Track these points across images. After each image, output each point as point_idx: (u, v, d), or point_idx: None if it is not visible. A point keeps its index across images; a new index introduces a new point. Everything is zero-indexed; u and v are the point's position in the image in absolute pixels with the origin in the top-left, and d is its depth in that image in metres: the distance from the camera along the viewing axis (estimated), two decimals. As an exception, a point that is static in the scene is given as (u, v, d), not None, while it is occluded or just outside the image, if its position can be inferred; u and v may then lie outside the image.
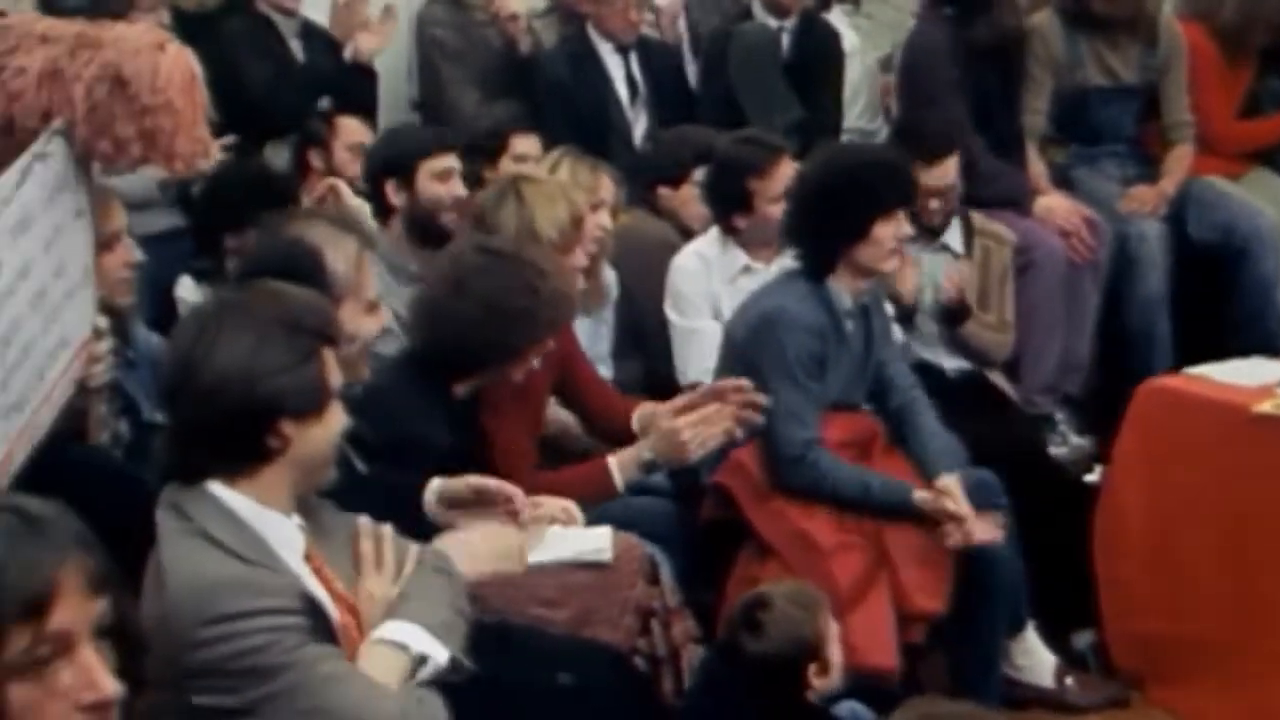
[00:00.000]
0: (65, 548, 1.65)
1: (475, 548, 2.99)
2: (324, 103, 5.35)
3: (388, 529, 2.66)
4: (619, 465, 3.66)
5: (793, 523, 3.73)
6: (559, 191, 4.05)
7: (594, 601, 3.25)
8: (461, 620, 2.61)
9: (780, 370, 3.77)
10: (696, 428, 3.60)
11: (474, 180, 4.96)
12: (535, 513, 3.25)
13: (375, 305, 3.24)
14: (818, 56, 5.57)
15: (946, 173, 4.67)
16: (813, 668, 3.13)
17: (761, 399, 3.70)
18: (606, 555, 3.30)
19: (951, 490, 3.78)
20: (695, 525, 3.89)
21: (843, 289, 3.86)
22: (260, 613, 2.35)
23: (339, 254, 3.12)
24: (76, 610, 1.64)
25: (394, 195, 4.42)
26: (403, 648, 2.48)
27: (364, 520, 2.65)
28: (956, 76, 5.10)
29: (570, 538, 3.33)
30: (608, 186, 4.45)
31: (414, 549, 2.67)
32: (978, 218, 4.85)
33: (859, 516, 3.77)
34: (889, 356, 4.06)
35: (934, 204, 4.64)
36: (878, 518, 3.77)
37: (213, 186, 4.43)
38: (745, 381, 3.72)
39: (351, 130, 5.12)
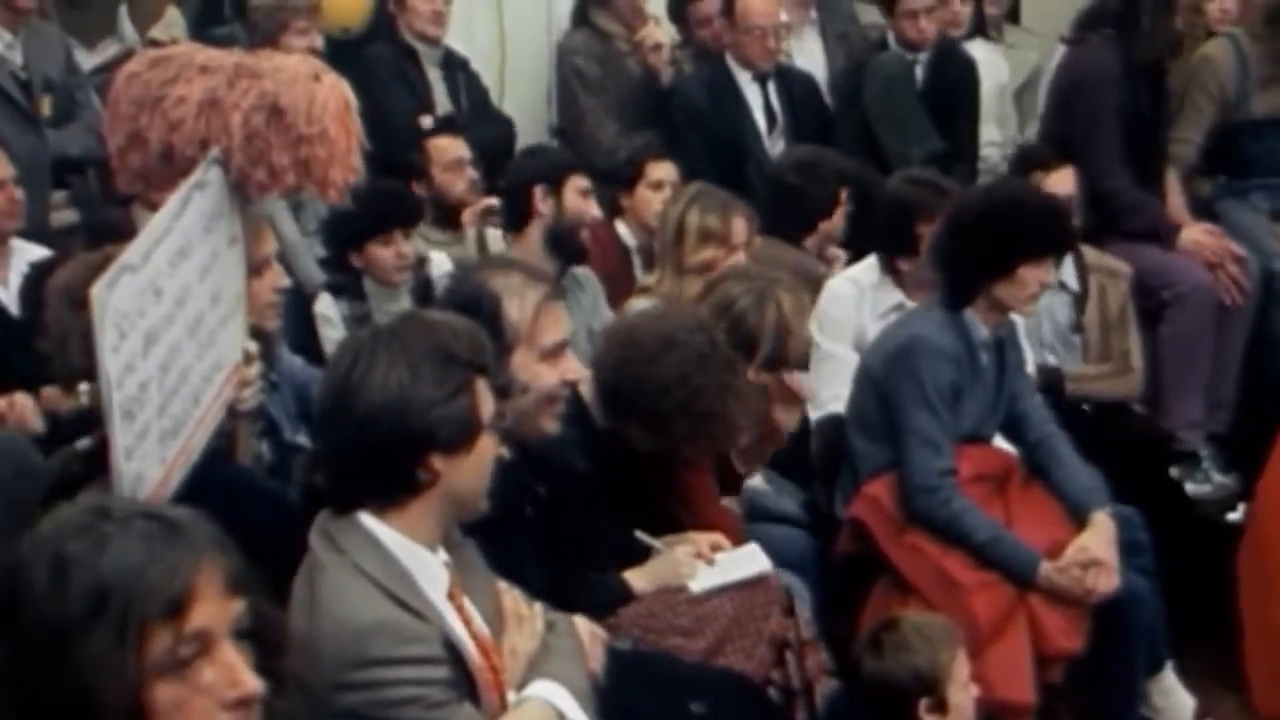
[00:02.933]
0: (201, 550, 1.70)
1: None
2: (427, 121, 5.38)
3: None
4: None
5: (931, 559, 3.71)
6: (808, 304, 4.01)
7: (730, 631, 3.26)
8: (591, 687, 2.63)
9: (918, 398, 3.77)
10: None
11: (614, 209, 5.04)
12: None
13: (557, 355, 3.13)
14: (954, 86, 5.55)
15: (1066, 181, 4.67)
16: (925, 703, 3.12)
17: None
18: (767, 564, 3.36)
19: (1104, 530, 3.76)
20: (831, 558, 3.90)
21: (979, 321, 3.86)
22: (407, 661, 2.38)
23: (517, 301, 3.09)
24: (216, 610, 1.68)
25: (541, 202, 4.51)
26: (553, 707, 2.51)
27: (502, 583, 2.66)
28: (1117, 103, 5.03)
29: (728, 563, 3.38)
30: (740, 229, 4.44)
31: (538, 607, 2.68)
32: (1091, 253, 4.79)
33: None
34: (1023, 390, 4.03)
35: None
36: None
37: (349, 203, 4.52)
38: None
39: (445, 149, 5.14)
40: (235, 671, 1.69)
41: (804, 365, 3.87)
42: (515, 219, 4.62)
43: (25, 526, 1.77)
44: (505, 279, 3.13)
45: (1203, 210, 5.25)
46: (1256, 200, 5.29)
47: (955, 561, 3.70)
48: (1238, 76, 5.15)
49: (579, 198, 4.56)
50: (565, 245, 4.49)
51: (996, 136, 5.92)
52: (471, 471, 2.53)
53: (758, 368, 3.68)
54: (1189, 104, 5.16)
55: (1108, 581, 3.71)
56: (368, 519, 2.50)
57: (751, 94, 5.66)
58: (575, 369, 3.17)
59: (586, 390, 3.43)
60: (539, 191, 4.53)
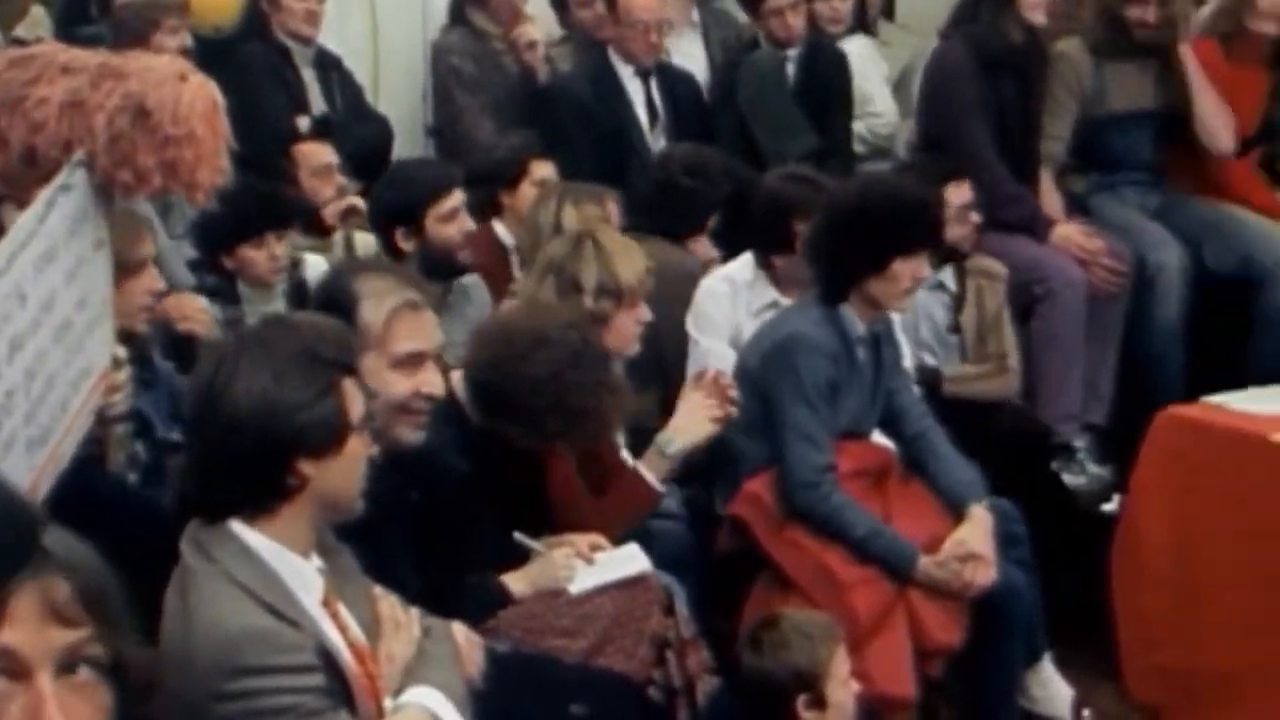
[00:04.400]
0: (25, 567, 1.56)
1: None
2: (303, 123, 5.34)
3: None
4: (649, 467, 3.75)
5: (811, 554, 3.76)
6: (633, 241, 4.05)
7: (610, 632, 3.30)
8: (467, 692, 2.64)
9: (797, 395, 3.81)
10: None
11: (492, 208, 5.03)
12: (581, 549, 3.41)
13: (413, 366, 3.08)
14: (826, 82, 5.60)
15: (966, 193, 4.75)
16: (804, 699, 3.17)
17: (733, 393, 3.77)
18: (646, 564, 3.41)
19: (982, 523, 3.84)
20: (711, 555, 3.93)
21: (855, 317, 3.91)
22: (281, 670, 2.37)
23: (373, 304, 3.06)
24: (30, 634, 1.56)
25: (404, 242, 4.47)
26: (430, 713, 2.51)
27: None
28: (978, 96, 5.13)
29: (608, 563, 3.41)
30: (615, 214, 4.47)
31: (415, 612, 2.67)
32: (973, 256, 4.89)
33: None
34: (899, 385, 4.10)
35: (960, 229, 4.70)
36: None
37: (219, 204, 4.46)
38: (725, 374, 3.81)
39: (312, 155, 5.09)
40: (41, 709, 1.55)
41: (648, 299, 3.90)
42: (389, 255, 4.58)
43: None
44: (370, 282, 3.12)
45: (1077, 207, 5.36)
46: (1126, 194, 5.41)
47: (835, 557, 3.75)
48: (1094, 72, 5.26)
49: (442, 224, 4.47)
50: (439, 269, 4.46)
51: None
52: (342, 474, 2.52)
53: (594, 295, 3.75)
54: (1052, 101, 5.26)
55: (985, 574, 3.79)
56: (238, 526, 2.49)
57: (634, 89, 5.68)
58: (433, 382, 3.11)
59: (461, 389, 3.44)
60: (399, 234, 4.48)
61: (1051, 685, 4.19)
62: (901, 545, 3.79)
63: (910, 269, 3.87)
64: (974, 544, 3.80)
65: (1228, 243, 5.30)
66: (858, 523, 3.78)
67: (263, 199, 4.55)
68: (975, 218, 4.77)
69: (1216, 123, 5.29)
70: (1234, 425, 4.17)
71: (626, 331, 3.83)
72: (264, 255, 4.43)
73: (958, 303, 4.84)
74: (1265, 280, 5.22)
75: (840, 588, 3.70)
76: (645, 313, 3.88)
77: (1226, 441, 4.15)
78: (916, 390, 4.29)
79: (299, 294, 4.43)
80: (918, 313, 4.73)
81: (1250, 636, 4.07)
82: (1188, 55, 5.23)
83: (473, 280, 4.67)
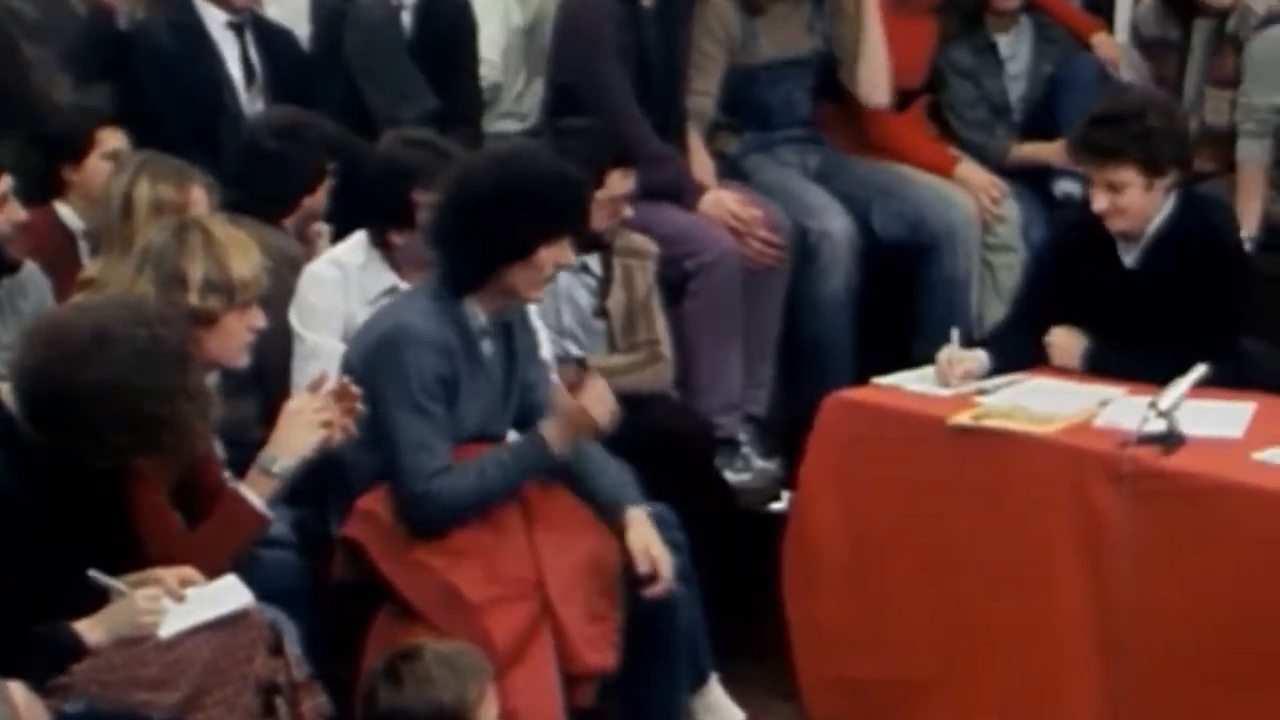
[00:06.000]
0: None
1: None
2: None
3: None
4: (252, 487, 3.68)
5: (438, 576, 3.74)
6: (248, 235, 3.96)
7: (207, 680, 3.22)
8: None
9: (403, 398, 3.80)
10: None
11: (54, 186, 4.83)
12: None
13: None
14: (446, 35, 5.55)
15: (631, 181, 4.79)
16: None
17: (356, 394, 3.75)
18: (248, 598, 3.34)
19: (643, 524, 3.89)
20: (325, 584, 3.88)
21: (479, 308, 3.91)
22: None
23: None
24: None
25: None
26: None
27: None
28: (617, 45, 5.16)
29: (202, 599, 3.32)
30: (199, 199, 4.35)
31: None
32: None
33: (517, 562, 3.79)
34: (537, 378, 4.11)
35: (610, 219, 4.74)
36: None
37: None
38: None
39: None
40: None
41: (263, 301, 3.84)
42: None
43: None
44: None
45: (730, 170, 5.46)
46: (784, 154, 5.55)
47: (466, 577, 3.74)
48: (741, 16, 5.38)
49: None
50: None
51: None
52: None
53: (200, 292, 3.68)
54: (698, 52, 5.36)
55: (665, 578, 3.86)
56: None
57: (225, 41, 5.51)
58: None
59: (11, 400, 3.30)
60: None
61: (720, 710, 4.27)
62: (520, 445, 3.89)
63: (555, 255, 3.90)
64: (655, 544, 3.86)
65: (896, 206, 5.50)
66: (479, 476, 3.81)
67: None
68: (629, 211, 4.81)
69: (877, 72, 5.47)
70: (908, 408, 4.33)
71: (234, 337, 3.76)
72: None
73: (604, 285, 4.88)
74: (937, 245, 5.44)
75: (472, 611, 3.69)
76: (259, 318, 3.81)
77: (900, 427, 4.32)
78: (558, 383, 4.31)
79: None
80: (559, 297, 4.75)
81: (934, 641, 4.24)
82: None
83: (29, 271, 4.47)
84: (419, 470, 3.79)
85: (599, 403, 3.92)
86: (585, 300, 4.88)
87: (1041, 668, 4.05)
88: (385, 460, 3.84)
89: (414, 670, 3.21)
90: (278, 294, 4.32)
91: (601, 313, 4.89)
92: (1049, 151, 5.64)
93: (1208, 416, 3.99)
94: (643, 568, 3.84)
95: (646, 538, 3.89)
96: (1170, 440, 3.87)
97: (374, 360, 3.84)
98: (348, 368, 3.93)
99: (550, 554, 3.82)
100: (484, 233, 3.87)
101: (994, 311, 5.42)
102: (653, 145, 5.16)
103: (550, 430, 3.89)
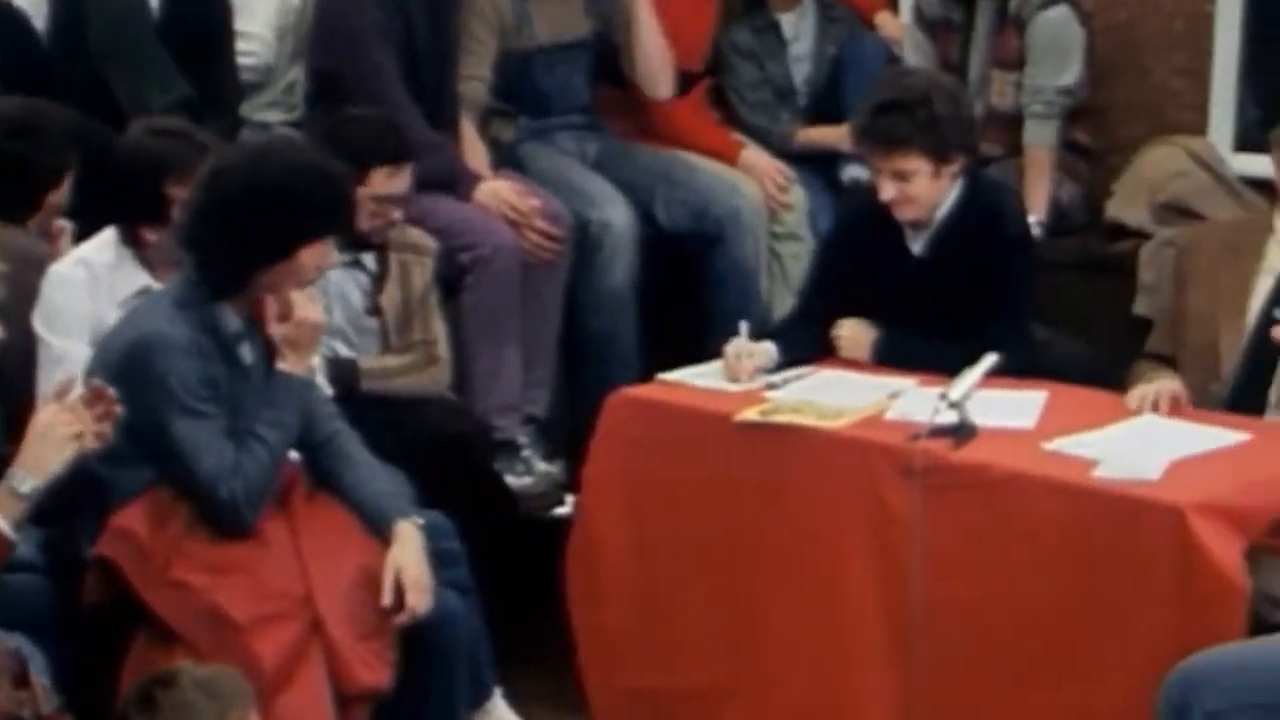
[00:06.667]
0: None
1: None
2: None
3: None
4: None
5: (199, 596, 3.71)
6: None
7: (-57, 717, 3.17)
8: None
9: (170, 404, 3.78)
10: None
11: None
12: None
13: None
14: (198, 15, 5.48)
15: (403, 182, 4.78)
16: None
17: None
18: None
19: (413, 542, 3.88)
20: (77, 609, 3.81)
21: (231, 312, 3.89)
22: None
23: None
24: None
25: None
26: None
27: None
28: (382, 25, 5.13)
29: None
30: None
31: None
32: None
33: (284, 578, 3.77)
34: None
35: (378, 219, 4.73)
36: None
37: None
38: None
39: None
40: None
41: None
42: None
43: None
44: None
45: (506, 158, 5.47)
46: (562, 141, 5.58)
47: (230, 595, 3.72)
48: (514, 0, 5.40)
49: None
50: None
51: None
52: None
53: None
54: (469, 36, 5.35)
55: (423, 600, 3.83)
56: None
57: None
58: None
59: None
60: None
61: (505, 728, 4.29)
62: (278, 389, 3.90)
63: (316, 257, 3.89)
64: (410, 567, 3.84)
65: (679, 195, 5.55)
66: (265, 446, 3.83)
67: None
68: (398, 215, 4.79)
69: (653, 62, 5.52)
70: (695, 405, 4.38)
71: None
72: None
73: (378, 282, 4.86)
74: (722, 235, 5.50)
75: (237, 632, 3.66)
76: None
77: (687, 425, 4.36)
78: (326, 387, 4.29)
79: None
80: (329, 294, 4.70)
81: (725, 647, 4.29)
82: None
83: None
84: (217, 474, 3.79)
85: (307, 304, 3.90)
86: (357, 298, 4.86)
87: (835, 671, 4.12)
88: (148, 473, 3.80)
89: (170, 697, 3.17)
90: (21, 298, 4.26)
91: (375, 311, 4.87)
92: (835, 136, 5.72)
93: (999, 407, 4.09)
94: (385, 599, 3.80)
95: (402, 559, 3.86)
96: (962, 432, 3.95)
97: (126, 373, 3.75)
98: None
99: (319, 568, 3.80)
100: (239, 233, 3.84)
101: (783, 302, 5.48)
102: (423, 134, 5.13)
103: (282, 363, 3.89)
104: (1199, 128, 5.70)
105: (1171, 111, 5.78)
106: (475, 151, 5.37)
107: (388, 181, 4.75)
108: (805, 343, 4.61)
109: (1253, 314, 4.35)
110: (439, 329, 4.89)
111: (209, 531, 3.83)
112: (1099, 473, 3.77)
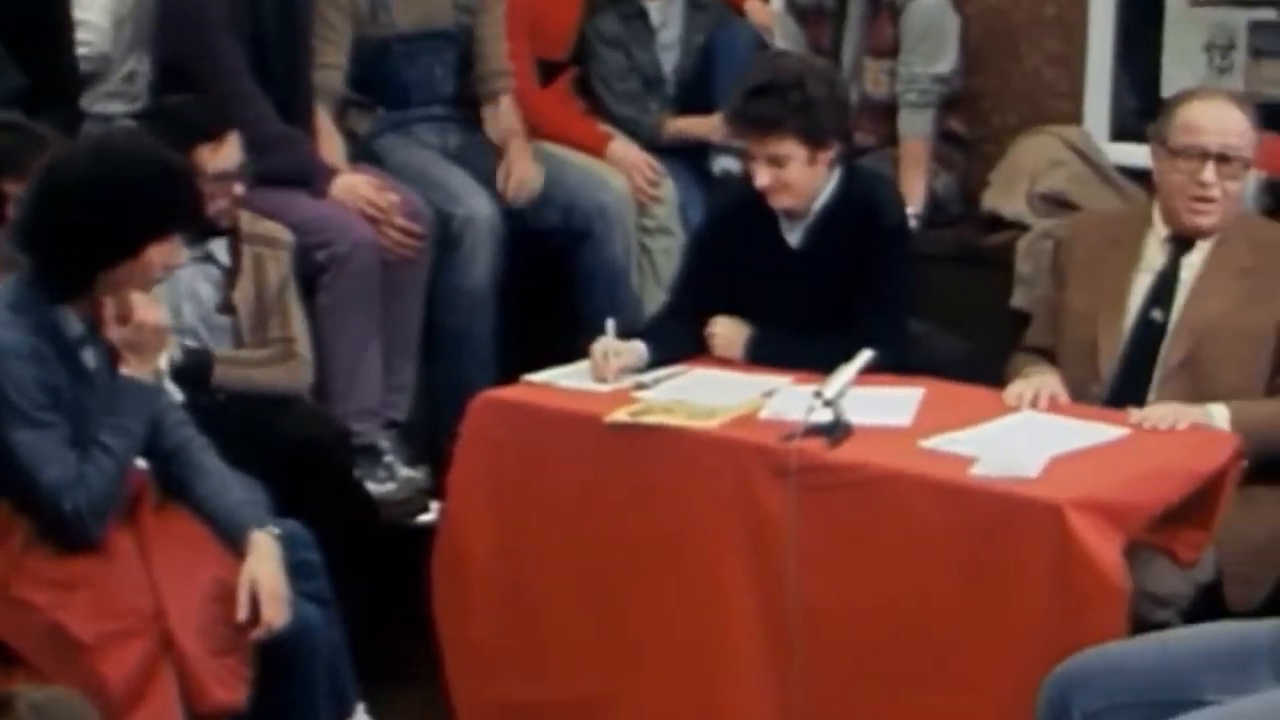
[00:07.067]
0: None
1: None
2: None
3: None
4: None
5: (41, 614, 3.66)
6: None
7: None
8: None
9: (8, 412, 3.73)
10: None
11: None
12: None
13: None
14: (32, 3, 5.38)
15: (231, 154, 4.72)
16: None
17: None
18: None
19: (268, 553, 3.85)
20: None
21: (72, 315, 3.85)
22: None
23: None
24: None
25: None
26: None
27: None
28: (229, 11, 5.08)
29: None
30: None
31: None
32: (245, 218, 4.87)
33: (132, 594, 3.73)
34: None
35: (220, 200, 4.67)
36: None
37: None
38: None
39: None
40: None
41: None
42: None
43: None
44: None
45: (365, 152, 5.46)
46: (422, 134, 5.57)
47: (75, 613, 3.67)
48: None
49: None
50: None
51: None
52: None
53: None
54: (321, 22, 5.32)
55: (279, 614, 3.80)
56: None
57: None
58: None
59: None
60: None
61: (368, 744, 4.27)
62: (124, 395, 3.85)
63: (164, 255, 3.86)
64: (266, 580, 3.81)
65: (546, 189, 5.55)
66: (110, 455, 3.80)
67: None
68: (240, 189, 4.74)
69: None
70: (562, 407, 4.36)
71: None
72: None
73: (231, 277, 4.81)
74: (590, 230, 5.50)
75: (82, 652, 3.61)
76: None
77: (555, 427, 4.35)
78: (175, 392, 4.25)
79: None
80: (178, 291, 4.66)
81: (598, 658, 4.29)
82: None
83: None
84: (61, 485, 3.75)
85: (147, 306, 3.87)
86: (209, 294, 4.80)
87: (711, 678, 4.12)
88: (11, 486, 3.77)
89: (3, 725, 3.13)
90: None
91: (227, 308, 4.81)
92: (705, 126, 5.76)
93: (875, 404, 4.11)
94: (240, 614, 3.78)
95: (258, 570, 3.83)
96: (837, 430, 3.97)
97: None
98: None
99: (169, 582, 3.76)
100: (82, 232, 3.79)
101: (655, 299, 5.51)
102: (274, 126, 5.10)
103: (125, 368, 3.85)
104: (1075, 116, 5.77)
105: (1046, 100, 5.84)
106: (331, 144, 5.34)
107: (213, 158, 4.67)
108: (676, 341, 4.62)
109: (1131, 314, 4.42)
110: (298, 326, 4.84)
111: (51, 546, 3.79)
112: (977, 470, 3.80)
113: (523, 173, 5.51)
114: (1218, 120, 4.36)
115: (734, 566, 4.08)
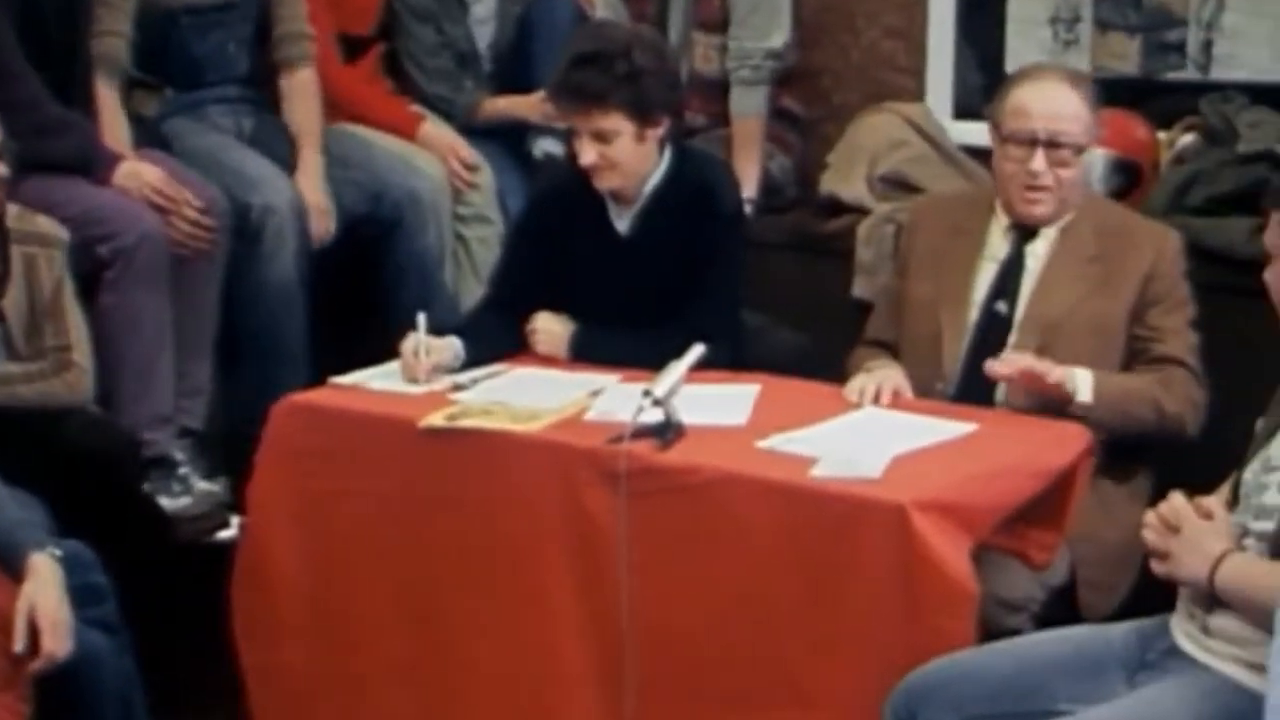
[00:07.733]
0: None
1: None
2: None
3: None
4: None
5: None
6: None
7: None
8: None
9: None
10: None
11: None
12: None
13: None
14: None
15: None
16: None
17: None
18: None
19: (49, 578, 3.72)
20: None
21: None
22: None
23: None
24: None
25: None
26: None
27: None
28: None
29: None
30: None
31: None
32: (13, 214, 4.73)
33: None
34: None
35: None
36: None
37: None
38: None
39: None
40: None
41: None
42: None
43: None
44: None
45: (152, 136, 5.35)
46: (216, 116, 5.50)
47: None
48: None
49: None
50: None
51: None
52: None
53: None
54: None
55: (61, 643, 3.71)
56: None
57: None
58: None
59: None
60: None
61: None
62: None
63: None
64: (46, 606, 3.70)
65: (352, 175, 5.51)
66: None
67: None
68: (2, 169, 4.64)
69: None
70: (372, 411, 4.33)
71: None
72: None
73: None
74: (401, 219, 5.46)
75: None
76: None
77: (364, 433, 4.31)
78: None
79: None
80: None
81: (414, 682, 4.26)
82: None
83: None
84: None
85: None
86: None
87: (539, 697, 4.10)
88: None
89: None
90: None
91: (-3, 315, 4.71)
92: (525, 106, 5.74)
93: (709, 403, 4.11)
94: (18, 644, 3.66)
95: (37, 597, 3.71)
96: (668, 431, 3.96)
97: None
98: None
99: (-62, 612, 3.67)
100: None
101: (472, 293, 5.49)
102: (50, 110, 4.99)
103: None
104: (916, 93, 5.81)
105: (886, 76, 5.88)
106: (115, 126, 5.22)
107: None
108: (496, 337, 4.60)
109: (976, 306, 4.44)
110: (76, 332, 4.72)
111: None
112: (817, 471, 3.79)
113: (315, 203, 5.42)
114: (1048, 103, 4.35)
115: (562, 579, 4.06)
